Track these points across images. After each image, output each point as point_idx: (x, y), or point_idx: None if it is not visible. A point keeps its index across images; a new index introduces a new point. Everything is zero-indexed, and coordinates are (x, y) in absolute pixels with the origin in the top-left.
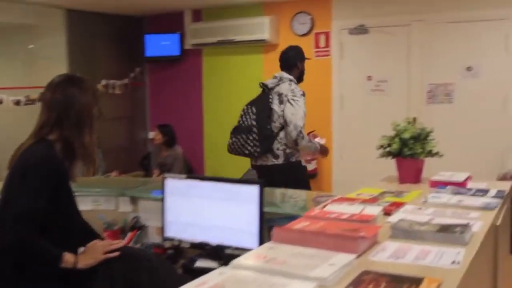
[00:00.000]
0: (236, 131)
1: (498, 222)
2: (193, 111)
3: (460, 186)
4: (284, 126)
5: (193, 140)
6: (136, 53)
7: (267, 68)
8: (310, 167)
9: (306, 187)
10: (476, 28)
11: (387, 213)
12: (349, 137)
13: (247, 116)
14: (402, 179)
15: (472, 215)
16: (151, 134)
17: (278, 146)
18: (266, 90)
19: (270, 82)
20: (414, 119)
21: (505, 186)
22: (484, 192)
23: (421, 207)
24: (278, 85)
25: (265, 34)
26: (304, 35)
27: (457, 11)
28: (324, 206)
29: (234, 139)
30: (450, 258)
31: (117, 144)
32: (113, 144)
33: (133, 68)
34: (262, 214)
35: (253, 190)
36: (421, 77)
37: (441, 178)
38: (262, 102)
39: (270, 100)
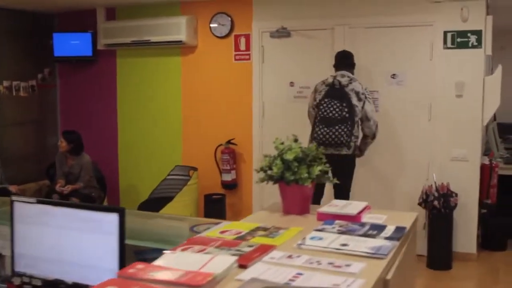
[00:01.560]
0: (327, 122)
1: (390, 275)
2: (107, 115)
3: (352, 221)
4: (361, 120)
5: (107, 146)
6: (44, 53)
7: (185, 71)
8: (229, 177)
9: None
10: (401, 34)
11: (243, 265)
12: (270, 146)
13: (332, 109)
14: (286, 209)
15: (353, 268)
16: None
17: (352, 138)
18: (338, 87)
19: (343, 80)
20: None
21: (407, 220)
22: (379, 229)
23: (292, 254)
24: (350, 83)
25: (182, 35)
26: (223, 37)
27: (381, 16)
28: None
29: (326, 129)
30: None
31: (25, 151)
32: (20, 151)
33: (42, 69)
34: (123, 248)
35: (112, 219)
36: None
37: (330, 210)
38: (345, 97)
39: (349, 96)
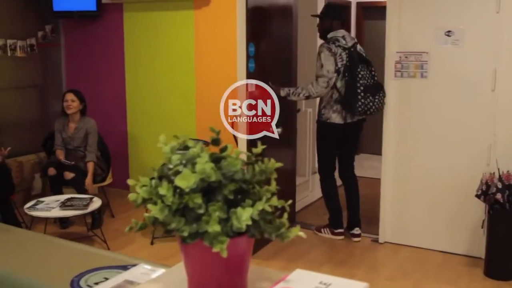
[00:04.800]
0: (371, 90)
1: None
2: (113, 79)
3: None
4: None
5: (114, 114)
6: (42, 7)
7: (198, 27)
8: None
9: None
10: None
11: None
12: (303, 116)
13: (369, 75)
14: None
15: None
16: None
17: None
18: (353, 49)
19: (354, 41)
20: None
21: None
22: None
23: None
24: (356, 43)
25: None
26: None
27: None
28: None
29: (372, 98)
30: None
31: (24, 119)
32: (18, 119)
33: (42, 25)
34: None
35: None
36: (387, 43)
37: None
38: (367, 61)
39: (368, 59)
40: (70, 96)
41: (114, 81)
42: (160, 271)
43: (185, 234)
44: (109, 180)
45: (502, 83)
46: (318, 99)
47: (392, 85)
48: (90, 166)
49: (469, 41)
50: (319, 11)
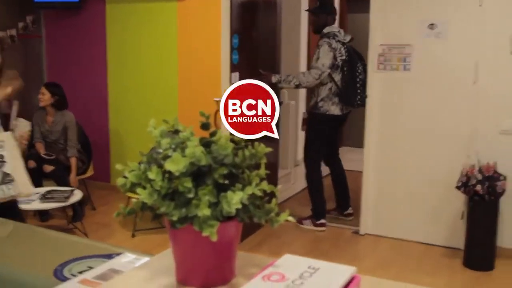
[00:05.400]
0: (365, 86)
1: None
2: (95, 68)
3: None
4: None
5: (95, 102)
6: None
7: (181, 19)
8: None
9: None
10: None
11: None
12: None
13: (362, 70)
14: (180, 276)
15: None
16: None
17: None
18: (348, 45)
19: (349, 36)
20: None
21: None
22: None
23: None
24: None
25: None
26: None
27: None
28: None
29: (364, 93)
30: None
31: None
32: None
33: (23, 16)
34: None
35: None
36: (370, 36)
37: None
38: (361, 56)
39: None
40: (42, 89)
41: (95, 73)
42: (145, 259)
43: (175, 218)
44: (90, 173)
45: (483, 76)
46: (306, 92)
47: (375, 77)
48: (73, 162)
49: (452, 34)
50: (302, 4)
